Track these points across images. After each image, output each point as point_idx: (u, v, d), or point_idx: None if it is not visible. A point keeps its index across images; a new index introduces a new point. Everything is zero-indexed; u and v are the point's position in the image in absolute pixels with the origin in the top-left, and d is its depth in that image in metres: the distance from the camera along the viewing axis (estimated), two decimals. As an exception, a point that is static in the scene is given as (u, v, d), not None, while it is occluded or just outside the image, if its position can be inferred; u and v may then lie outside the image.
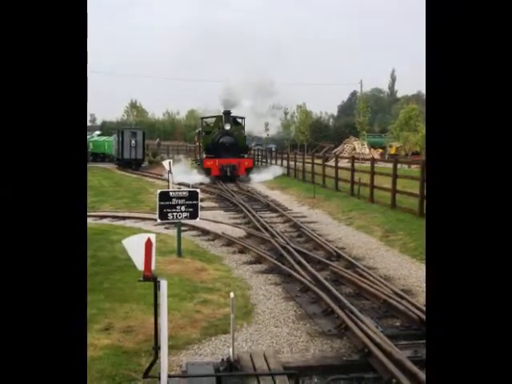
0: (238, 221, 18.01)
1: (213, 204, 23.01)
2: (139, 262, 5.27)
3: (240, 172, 34.58)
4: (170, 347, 6.12)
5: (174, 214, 11.18)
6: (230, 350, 6.07)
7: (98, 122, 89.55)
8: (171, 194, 11.27)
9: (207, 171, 34.44)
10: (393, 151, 51.06)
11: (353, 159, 24.05)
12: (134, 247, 5.30)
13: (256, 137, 57.66)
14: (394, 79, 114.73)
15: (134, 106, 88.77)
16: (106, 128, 71.12)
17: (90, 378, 5.57)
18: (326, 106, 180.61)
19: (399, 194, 18.41)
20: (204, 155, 35.79)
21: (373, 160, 22.36)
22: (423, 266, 10.76)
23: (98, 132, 65.42)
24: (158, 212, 11.25)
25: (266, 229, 15.34)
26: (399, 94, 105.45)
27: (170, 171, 13.51)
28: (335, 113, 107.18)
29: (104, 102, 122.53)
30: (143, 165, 45.83)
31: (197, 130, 46.45)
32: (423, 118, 44.39)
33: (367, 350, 6.38)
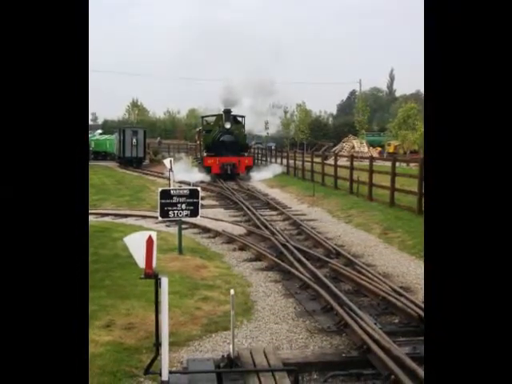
0: (239, 219, 18.01)
1: (213, 202, 23.01)
2: (140, 260, 5.27)
3: (240, 170, 34.56)
4: (171, 344, 6.12)
5: (175, 211, 11.17)
6: (231, 346, 6.07)
7: (100, 120, 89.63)
8: (172, 192, 11.26)
9: (208, 169, 34.43)
10: (391, 150, 51.04)
11: (352, 158, 24.04)
12: (136, 245, 5.30)
13: (256, 135, 57.59)
14: (392, 78, 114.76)
15: (135, 104, 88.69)
16: (108, 127, 71.10)
17: (92, 374, 5.56)
18: (325, 104, 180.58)
19: (398, 191, 18.41)
20: (205, 153, 35.78)
21: (371, 158, 22.35)
22: (422, 264, 10.76)
23: (99, 131, 65.42)
24: (159, 210, 11.25)
25: (266, 227, 15.34)
26: (398, 93, 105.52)
27: (170, 169, 13.50)
28: (334, 112, 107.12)
29: (105, 101, 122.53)
30: (144, 163, 45.80)
31: (197, 129, 46.42)
32: (421, 117, 44.38)
33: (366, 346, 6.38)
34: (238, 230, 15.26)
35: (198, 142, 42.73)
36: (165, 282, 5.43)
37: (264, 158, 46.23)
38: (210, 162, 34.27)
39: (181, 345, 6.80)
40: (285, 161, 37.42)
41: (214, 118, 39.18)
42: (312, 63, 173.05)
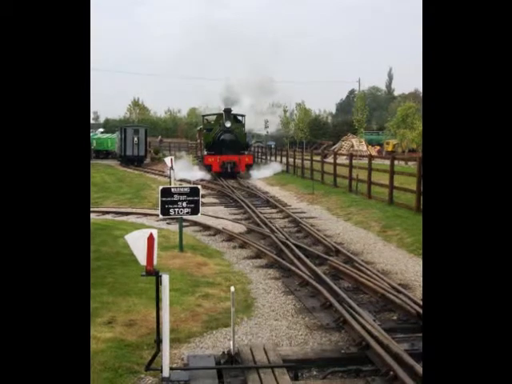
0: (239, 216, 18.00)
1: (214, 200, 22.99)
2: (141, 257, 5.27)
3: (240, 168, 34.55)
4: (172, 340, 6.12)
5: (176, 209, 11.16)
6: (231, 342, 6.07)
7: (102, 119, 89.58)
8: (173, 190, 11.25)
9: (208, 168, 34.44)
10: (390, 148, 51.06)
11: (351, 156, 24.03)
12: (137, 242, 5.30)
13: (256, 134, 57.59)
14: (391, 78, 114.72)
15: (136, 103, 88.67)
16: (109, 125, 71.10)
17: (93, 370, 5.56)
18: (324, 104, 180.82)
19: (396, 190, 18.40)
20: (205, 152, 35.78)
21: (370, 157, 22.35)
22: (420, 261, 10.76)
23: (101, 129, 65.36)
24: (159, 208, 11.24)
25: (266, 224, 15.33)
26: (396, 93, 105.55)
27: (171, 168, 13.50)
28: (334, 111, 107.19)
29: (107, 99, 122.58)
30: (145, 161, 45.79)
31: (198, 128, 46.42)
32: (420, 116, 44.37)
33: (365, 343, 6.38)
34: (239, 228, 15.25)
35: (199, 141, 42.75)
36: (166, 279, 5.43)
37: (264, 157, 46.23)
38: (210, 160, 34.27)
39: (181, 341, 6.79)
40: (284, 159, 37.43)
41: (214, 117, 39.21)
42: (312, 63, 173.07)
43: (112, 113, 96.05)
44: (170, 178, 13.74)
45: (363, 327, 6.74)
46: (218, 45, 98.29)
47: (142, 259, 5.28)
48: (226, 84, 44.52)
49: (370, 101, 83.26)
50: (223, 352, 6.16)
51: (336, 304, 7.80)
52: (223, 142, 35.11)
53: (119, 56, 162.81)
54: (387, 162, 20.59)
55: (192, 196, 11.21)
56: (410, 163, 30.48)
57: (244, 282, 9.68)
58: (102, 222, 15.66)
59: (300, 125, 55.80)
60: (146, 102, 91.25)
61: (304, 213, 18.55)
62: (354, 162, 23.20)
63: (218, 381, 5.69)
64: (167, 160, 14.03)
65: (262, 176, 34.10)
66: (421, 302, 7.60)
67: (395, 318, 7.76)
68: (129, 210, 19.55)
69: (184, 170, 30.92)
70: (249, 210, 18.40)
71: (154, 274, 5.35)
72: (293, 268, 10.19)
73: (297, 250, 11.56)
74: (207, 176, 33.49)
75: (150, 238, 5.24)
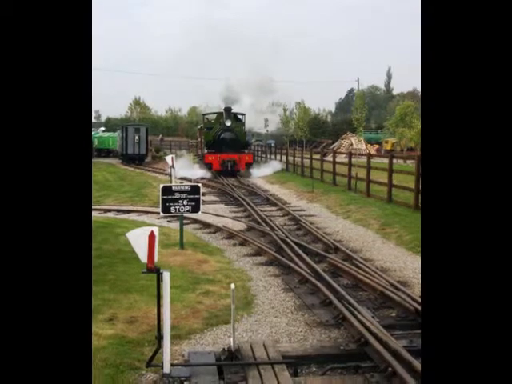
0: (239, 214, 17.99)
1: (214, 198, 22.99)
2: (142, 254, 5.27)
3: (240, 167, 34.56)
4: (173, 337, 6.12)
5: (177, 207, 11.16)
6: (231, 339, 6.07)
7: (103, 118, 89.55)
8: (174, 188, 11.25)
9: (209, 166, 34.45)
10: (389, 147, 51.04)
11: (350, 154, 24.04)
12: (138, 240, 5.30)
13: (256, 133, 57.58)
14: (390, 77, 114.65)
15: (137, 102, 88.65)
16: (111, 124, 71.04)
17: (95, 366, 5.56)
18: (323, 103, 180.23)
19: (395, 188, 18.39)
20: (205, 150, 35.79)
21: (369, 155, 22.34)
22: (419, 258, 10.76)
23: (102, 128, 65.30)
24: (160, 206, 11.24)
25: (266, 222, 15.33)
26: (395, 92, 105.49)
27: (172, 166, 13.48)
28: (333, 109, 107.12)
29: (109, 99, 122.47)
30: (146, 160, 45.77)
31: (198, 126, 46.40)
32: (418, 115, 44.33)
33: (364, 339, 6.38)
34: (239, 226, 15.25)
35: (199, 140, 42.75)
36: (167, 276, 5.43)
37: (264, 155, 46.23)
38: (210, 158, 34.28)
39: (182, 338, 6.79)
40: (284, 158, 37.42)
41: (214, 116, 39.21)
42: (311, 62, 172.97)
43: (113, 112, 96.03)
44: (170, 176, 13.72)
45: (362, 324, 6.74)
46: (217, 45, 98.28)
47: (143, 256, 5.28)
48: (226, 83, 44.60)
49: (369, 100, 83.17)
50: (223, 348, 6.16)
51: (335, 301, 7.81)
52: (223, 140, 35.11)
53: (120, 56, 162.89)
54: (386, 161, 20.58)
55: (193, 194, 11.21)
56: (408, 162, 30.48)
57: (244, 280, 9.68)
58: (104, 220, 15.65)
59: (300, 124, 55.74)
60: (146, 101, 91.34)
61: (303, 211, 18.55)
62: (353, 160, 23.20)
63: (219, 377, 5.69)
64: (168, 158, 14.02)
65: (262, 174, 34.11)
66: (419, 299, 7.60)
67: (394, 314, 7.76)
68: (130, 208, 19.55)
69: (185, 168, 30.97)
70: (249, 208, 18.40)
71: (154, 271, 5.35)
72: (292, 265, 10.19)
73: (296, 248, 11.56)
74: (208, 174, 33.50)
75: (151, 236, 5.24)
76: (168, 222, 15.91)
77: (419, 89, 65.77)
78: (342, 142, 57.34)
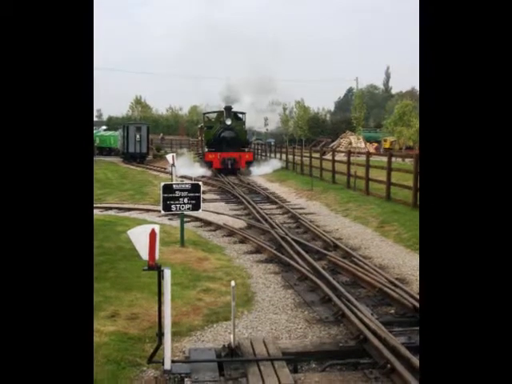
0: (239, 212, 17.99)
1: (214, 196, 22.99)
2: (143, 252, 5.27)
3: (241, 165, 34.56)
4: (174, 334, 6.11)
5: (177, 205, 11.16)
6: (231, 336, 6.07)
7: (105, 117, 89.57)
8: (174, 186, 11.25)
9: (209, 164, 34.44)
10: (387, 145, 51.03)
11: (349, 153, 24.03)
12: (139, 237, 5.30)
13: (256, 131, 57.62)
14: (388, 76, 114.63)
15: (138, 101, 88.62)
16: (112, 123, 71.02)
17: (96, 363, 5.56)
18: (323, 102, 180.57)
19: (394, 186, 18.38)
20: (206, 149, 35.77)
21: (368, 154, 22.33)
22: (417, 256, 10.75)
23: (104, 127, 65.32)
24: (161, 204, 11.24)
25: (266, 220, 15.32)
26: (394, 91, 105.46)
27: (173, 164, 13.48)
28: (332, 108, 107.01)
29: (110, 98, 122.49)
30: (147, 158, 45.79)
31: (199, 125, 46.38)
32: (417, 114, 44.34)
33: (363, 336, 6.38)
34: (239, 224, 15.25)
35: (200, 138, 42.72)
36: (167, 273, 5.42)
37: (264, 154, 46.22)
38: (211, 157, 34.27)
39: (183, 335, 6.79)
40: (284, 156, 37.42)
41: (215, 115, 39.18)
42: (311, 61, 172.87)
43: (115, 111, 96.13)
44: (171, 174, 13.73)
45: (361, 321, 6.74)
46: (218, 45, 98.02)
47: (144, 254, 5.28)
48: (226, 83, 44.57)
49: (368, 99, 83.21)
50: (224, 345, 6.16)
51: (334, 298, 7.80)
52: (224, 139, 35.09)
53: (121, 55, 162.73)
54: (385, 159, 20.56)
55: (193, 192, 11.21)
56: (406, 160, 30.44)
57: (244, 277, 9.68)
58: (105, 218, 15.65)
59: (299, 122, 55.85)
60: (147, 101, 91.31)
61: (303, 209, 18.55)
62: (352, 158, 23.19)
63: (219, 373, 5.69)
64: (169, 157, 14.02)
65: (262, 173, 34.11)
66: (418, 296, 7.60)
67: (392, 311, 7.76)
68: (131, 205, 19.54)
69: (185, 166, 30.96)
70: (249, 206, 18.40)
71: (155, 268, 5.34)
72: (292, 263, 10.19)
73: (296, 245, 11.56)
74: (208, 173, 33.50)
75: (152, 234, 5.24)
76: (169, 219, 15.91)
77: (417, 88, 65.80)
78: (341, 140, 57.33)
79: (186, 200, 11.16)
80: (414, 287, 8.75)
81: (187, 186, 11.34)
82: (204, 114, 41.80)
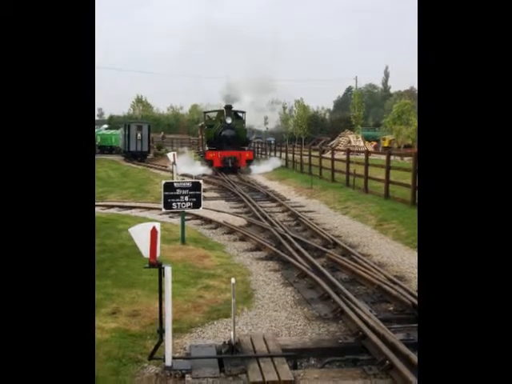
0: (239, 210, 17.99)
1: (215, 194, 22.98)
2: (145, 250, 5.27)
3: (241, 164, 34.52)
4: (174, 330, 6.12)
5: (178, 203, 11.16)
6: (232, 333, 6.07)
7: (106, 116, 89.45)
8: (175, 184, 11.24)
9: (209, 163, 34.43)
10: (386, 144, 50.98)
11: (348, 151, 24.02)
12: (140, 235, 5.30)
13: (256, 130, 57.48)
14: (387, 75, 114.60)
15: (139, 100, 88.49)
16: (114, 122, 70.93)
17: (98, 359, 5.55)
18: (322, 101, 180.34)
19: (392, 184, 18.38)
20: (206, 147, 35.75)
21: (367, 152, 22.33)
22: (415, 253, 10.75)
23: (105, 126, 65.25)
24: (162, 202, 11.23)
25: (266, 218, 15.32)
26: (392, 90, 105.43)
27: (174, 163, 13.47)
28: (331, 107, 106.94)
29: (111, 97, 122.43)
30: (148, 157, 45.75)
31: (200, 124, 46.33)
32: (415, 113, 44.33)
33: (362, 333, 6.38)
34: (239, 221, 15.24)
35: (201, 137, 42.68)
36: (168, 270, 5.42)
37: (264, 152, 46.21)
38: (211, 155, 34.25)
39: (184, 331, 6.79)
40: (284, 155, 37.41)
41: (215, 114, 39.14)
42: (310, 61, 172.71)
43: (116, 109, 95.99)
44: (172, 172, 13.71)
45: (360, 318, 6.74)
46: (218, 44, 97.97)
47: (146, 252, 5.28)
48: (226, 82, 44.47)
49: (367, 98, 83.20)
50: (224, 342, 6.16)
51: (334, 295, 7.81)
52: (224, 137, 35.07)
53: (122, 55, 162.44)
54: (383, 158, 20.57)
55: (194, 190, 11.21)
56: (405, 158, 30.45)
57: (244, 274, 9.68)
58: (107, 216, 15.65)
59: (299, 121, 55.70)
60: (148, 99, 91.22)
61: (303, 207, 18.55)
62: (351, 157, 23.18)
63: (219, 370, 5.69)
64: (170, 155, 14.00)
65: (262, 171, 34.10)
66: (416, 293, 7.60)
67: (391, 308, 7.76)
68: (132, 204, 19.53)
69: (186, 165, 30.93)
70: (249, 204, 18.39)
71: (156, 266, 5.34)
72: (292, 260, 10.19)
73: (296, 243, 11.56)
74: (208, 171, 33.50)
75: (153, 231, 5.24)
76: (170, 217, 15.90)
77: (416, 87, 65.71)
78: (341, 139, 57.26)
79: (186, 198, 11.16)
80: (413, 284, 8.75)
81: (188, 184, 11.34)
82: (204, 112, 41.77)
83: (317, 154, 29.00)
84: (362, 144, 51.32)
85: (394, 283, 8.46)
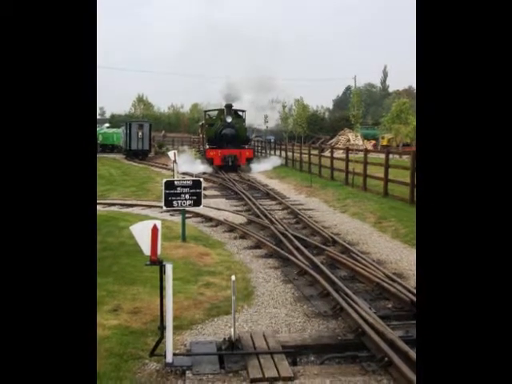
0: (239, 208, 17.98)
1: (215, 192, 22.97)
2: (146, 247, 5.27)
3: (241, 162, 34.52)
4: (175, 327, 6.12)
5: (179, 201, 11.15)
6: (232, 329, 6.07)
7: (107, 115, 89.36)
8: (176, 182, 11.24)
9: (210, 161, 34.44)
10: (385, 142, 50.96)
11: (347, 150, 24.01)
12: (141, 233, 5.30)
13: (256, 129, 57.54)
14: (385, 75, 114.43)
15: (140, 100, 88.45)
16: (115, 121, 70.90)
17: (100, 356, 5.56)
18: (321, 100, 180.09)
19: (391, 182, 18.39)
20: (207, 146, 35.77)
21: (366, 151, 22.32)
22: (414, 251, 10.75)
23: (107, 124, 65.16)
24: (163, 200, 11.23)
25: (266, 216, 15.31)
26: (391, 89, 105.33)
27: (174, 161, 13.46)
28: (331, 106, 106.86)
29: (113, 96, 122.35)
30: (149, 155, 45.74)
31: (200, 123, 46.35)
32: (414, 111, 44.25)
33: (361, 330, 6.38)
34: (239, 219, 15.24)
35: (201, 135, 42.72)
36: (169, 268, 5.42)
37: (264, 151, 46.19)
38: (212, 154, 34.26)
39: (184, 328, 6.79)
40: (283, 153, 37.41)
41: (216, 113, 39.16)
42: (310, 61, 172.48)
43: (117, 108, 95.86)
44: (173, 171, 13.70)
45: (359, 315, 6.74)
46: (218, 44, 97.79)
47: (147, 249, 5.27)
48: (226, 82, 44.29)
49: (366, 97, 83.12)
50: (224, 338, 6.16)
51: (333, 292, 7.80)
52: (224, 136, 35.08)
53: (122, 54, 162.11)
54: (382, 156, 20.57)
55: (194, 188, 11.20)
56: (404, 157, 30.46)
57: (244, 271, 9.68)
58: (108, 214, 15.64)
59: (298, 120, 55.70)
60: (150, 98, 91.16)
61: (302, 205, 18.54)
62: (350, 155, 23.19)
63: (220, 366, 5.69)
64: (171, 154, 13.99)
65: (262, 169, 34.08)
66: (414, 291, 7.60)
67: (390, 305, 7.76)
68: (134, 202, 19.53)
69: (187, 163, 30.93)
70: (249, 202, 18.39)
71: (157, 263, 5.34)
72: (291, 258, 10.19)
73: (295, 241, 11.55)
74: (209, 169, 33.49)
75: (154, 229, 5.24)
76: (170, 215, 15.90)
77: (414, 86, 65.70)
78: (340, 137, 57.21)
79: (187, 196, 11.16)
80: (411, 282, 8.74)
81: (189, 182, 11.33)
82: (205, 111, 41.76)
83: (316, 152, 29.00)
84: (360, 142, 51.28)
85: (393, 280, 8.46)
